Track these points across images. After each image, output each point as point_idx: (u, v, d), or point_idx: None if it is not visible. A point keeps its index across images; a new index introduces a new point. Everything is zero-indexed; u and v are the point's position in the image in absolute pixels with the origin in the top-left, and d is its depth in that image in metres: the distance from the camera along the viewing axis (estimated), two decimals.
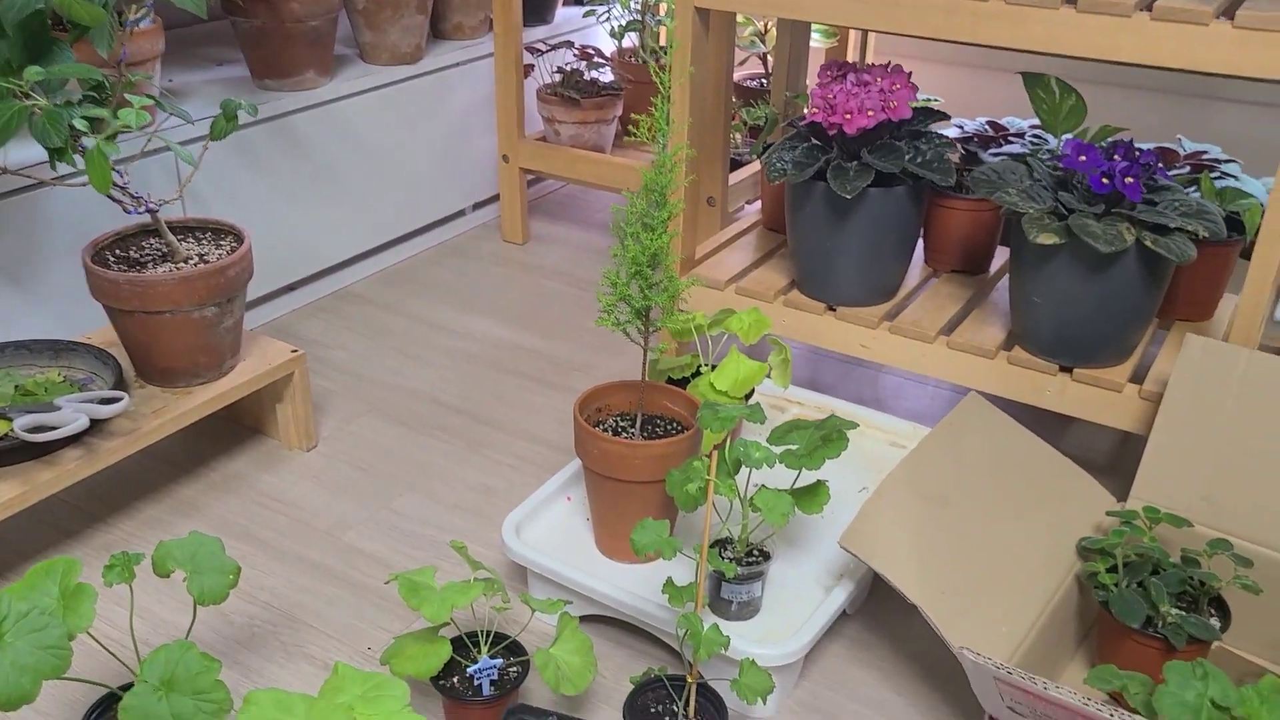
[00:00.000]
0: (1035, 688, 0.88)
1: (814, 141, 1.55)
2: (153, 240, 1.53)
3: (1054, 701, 0.89)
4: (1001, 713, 1.01)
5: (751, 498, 1.13)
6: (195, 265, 1.46)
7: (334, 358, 1.94)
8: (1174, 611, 1.15)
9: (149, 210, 1.43)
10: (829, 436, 1.16)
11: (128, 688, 0.98)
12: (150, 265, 1.47)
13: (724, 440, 1.17)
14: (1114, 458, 1.66)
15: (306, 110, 1.98)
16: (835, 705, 1.23)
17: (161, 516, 1.51)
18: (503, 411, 1.78)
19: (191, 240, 1.54)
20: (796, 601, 1.25)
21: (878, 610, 1.36)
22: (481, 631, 1.16)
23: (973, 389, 1.42)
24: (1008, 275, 1.52)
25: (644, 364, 1.28)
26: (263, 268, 1.87)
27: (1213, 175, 1.56)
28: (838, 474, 1.43)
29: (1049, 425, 1.44)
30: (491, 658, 1.12)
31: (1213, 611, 1.19)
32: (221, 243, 1.54)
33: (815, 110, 1.50)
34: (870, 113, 1.46)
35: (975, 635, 1.09)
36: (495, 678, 1.13)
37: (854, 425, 1.17)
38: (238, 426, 1.70)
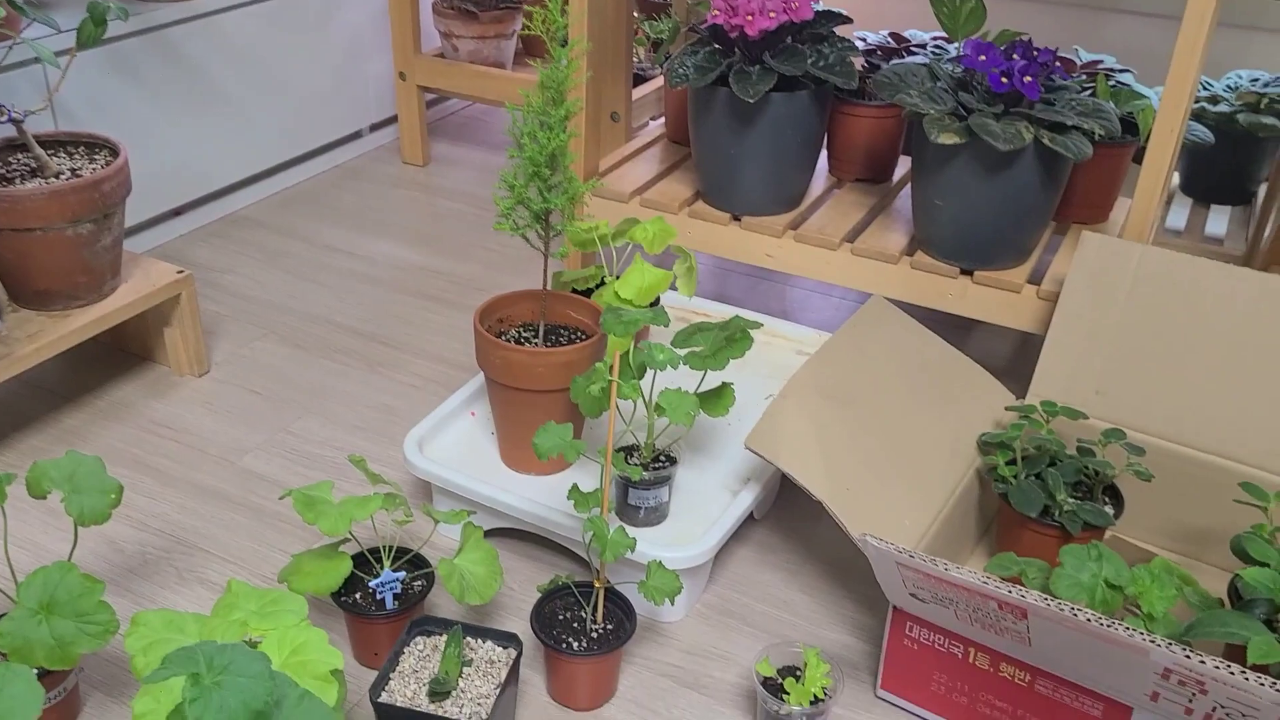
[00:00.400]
0: (936, 570, 0.89)
1: (716, 46, 1.52)
2: (20, 155, 1.43)
3: (954, 583, 0.90)
4: (905, 601, 1.02)
5: (656, 401, 1.12)
6: (67, 179, 1.37)
7: (226, 282, 1.86)
8: (1070, 500, 1.18)
9: (12, 120, 1.34)
10: (733, 336, 1.15)
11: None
12: (18, 181, 1.38)
13: (629, 346, 1.15)
14: (1013, 361, 1.69)
15: (186, 22, 1.87)
16: (743, 607, 1.23)
17: (44, 446, 1.44)
18: (404, 332, 1.74)
19: (63, 155, 1.45)
20: (704, 507, 1.25)
21: (785, 516, 1.37)
22: (384, 547, 1.13)
23: (877, 295, 1.42)
24: (910, 183, 1.52)
25: (545, 271, 1.25)
26: (145, 190, 1.78)
27: (1108, 83, 1.58)
28: (745, 382, 1.42)
29: (952, 332, 1.46)
30: (394, 571, 1.10)
31: (1107, 500, 1.22)
32: (96, 157, 1.45)
33: (717, 13, 1.46)
34: (772, 14, 1.43)
35: (879, 529, 1.10)
36: (398, 591, 1.10)
37: (758, 324, 1.17)
38: (124, 353, 1.63)
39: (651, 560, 1.07)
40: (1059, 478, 1.17)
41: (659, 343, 1.13)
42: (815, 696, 1.02)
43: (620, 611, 1.11)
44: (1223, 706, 0.85)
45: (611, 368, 1.04)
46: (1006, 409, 1.29)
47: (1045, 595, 0.85)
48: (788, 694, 1.02)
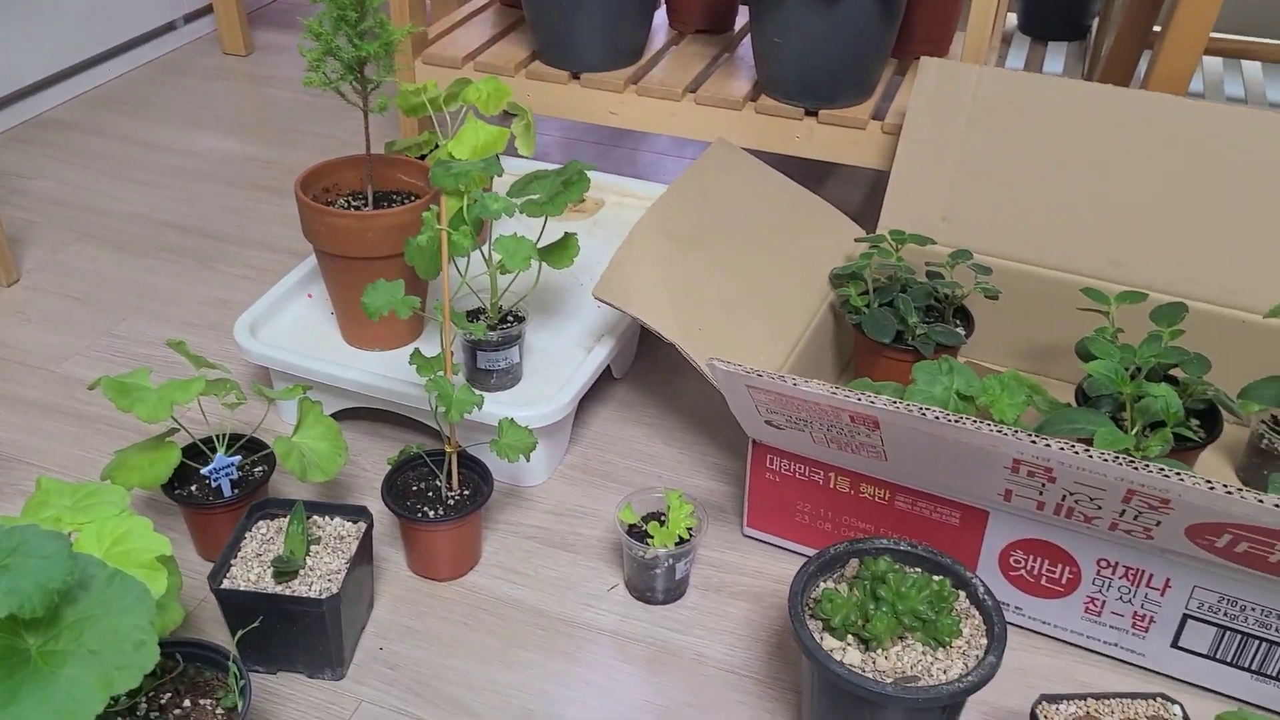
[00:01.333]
0: (785, 388, 0.87)
1: None
2: None
3: (804, 399, 0.88)
4: (761, 431, 1.00)
5: (493, 250, 1.06)
6: None
7: (34, 189, 1.71)
8: (922, 324, 1.17)
9: None
10: (570, 180, 1.10)
11: None
12: None
13: (462, 202, 1.09)
14: (865, 205, 1.68)
15: None
16: (607, 464, 1.21)
17: None
18: (235, 225, 1.63)
19: None
20: (559, 366, 1.21)
21: (647, 373, 1.34)
22: (217, 435, 1.06)
23: (721, 137, 1.37)
24: (750, 28, 1.47)
25: (365, 128, 1.17)
26: None
27: None
28: (599, 243, 1.38)
29: (804, 183, 1.43)
30: (228, 456, 1.03)
31: (958, 321, 1.23)
32: None
33: None
34: None
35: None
36: (236, 477, 1.04)
37: (593, 166, 1.11)
38: None
39: (503, 419, 1.03)
40: (909, 303, 1.17)
41: (493, 192, 1.06)
42: (680, 537, 1.01)
43: (477, 476, 1.07)
44: (1071, 494, 0.86)
45: (439, 215, 0.98)
46: (856, 240, 1.28)
47: (894, 400, 0.84)
48: (652, 538, 1.00)
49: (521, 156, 1.38)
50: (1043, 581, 0.97)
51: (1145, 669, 0.97)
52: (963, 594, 0.85)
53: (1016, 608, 1.00)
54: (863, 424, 0.88)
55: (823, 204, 1.34)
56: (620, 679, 0.96)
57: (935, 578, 0.85)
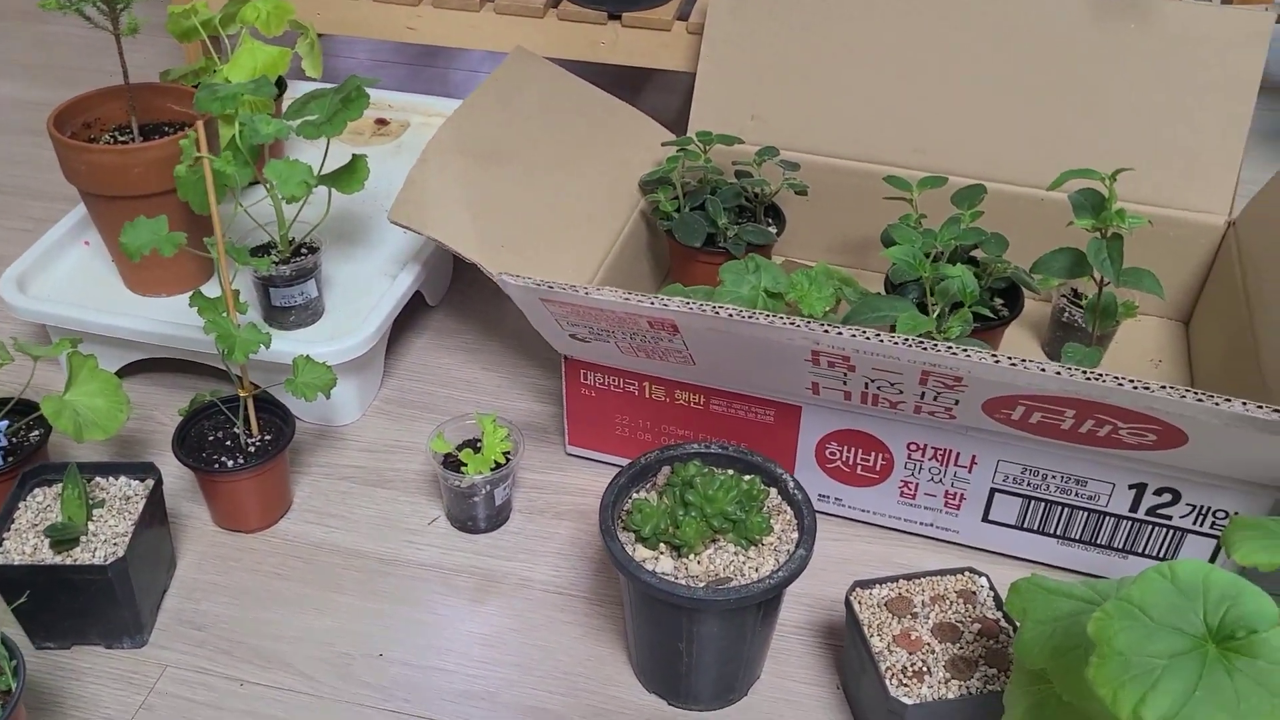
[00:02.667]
0: (578, 297, 0.84)
1: None
2: None
3: (598, 308, 0.85)
4: (569, 346, 0.97)
5: (266, 177, 0.99)
6: None
7: None
8: (733, 225, 1.16)
9: None
10: (349, 97, 1.03)
11: None
12: None
13: (235, 129, 1.01)
14: (684, 111, 1.65)
15: None
16: (424, 395, 1.16)
17: None
18: (12, 174, 1.50)
19: None
20: (363, 297, 1.15)
21: (463, 298, 1.29)
22: None
23: (520, 46, 1.31)
24: None
25: (120, 52, 1.07)
26: None
27: None
28: (402, 166, 1.31)
29: (618, 92, 1.38)
30: None
31: (769, 220, 1.21)
32: None
33: None
34: None
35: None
36: (5, 443, 0.95)
37: (375, 80, 1.04)
38: None
39: (298, 357, 0.97)
40: (719, 205, 1.15)
41: (264, 115, 0.99)
42: (496, 462, 0.97)
43: (279, 420, 1.01)
44: (873, 380, 0.85)
45: (198, 142, 0.90)
46: (663, 144, 1.25)
47: (687, 300, 0.82)
48: (466, 465, 0.97)
49: (310, 79, 1.30)
50: (859, 470, 0.97)
51: (961, 545, 0.99)
52: (773, 490, 0.85)
53: (837, 498, 1.01)
54: (662, 329, 0.86)
55: (630, 110, 1.30)
56: (443, 613, 0.94)
57: (746, 477, 0.84)
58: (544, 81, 1.24)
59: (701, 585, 0.77)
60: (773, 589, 0.76)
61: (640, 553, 0.79)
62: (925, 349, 0.76)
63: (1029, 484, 0.92)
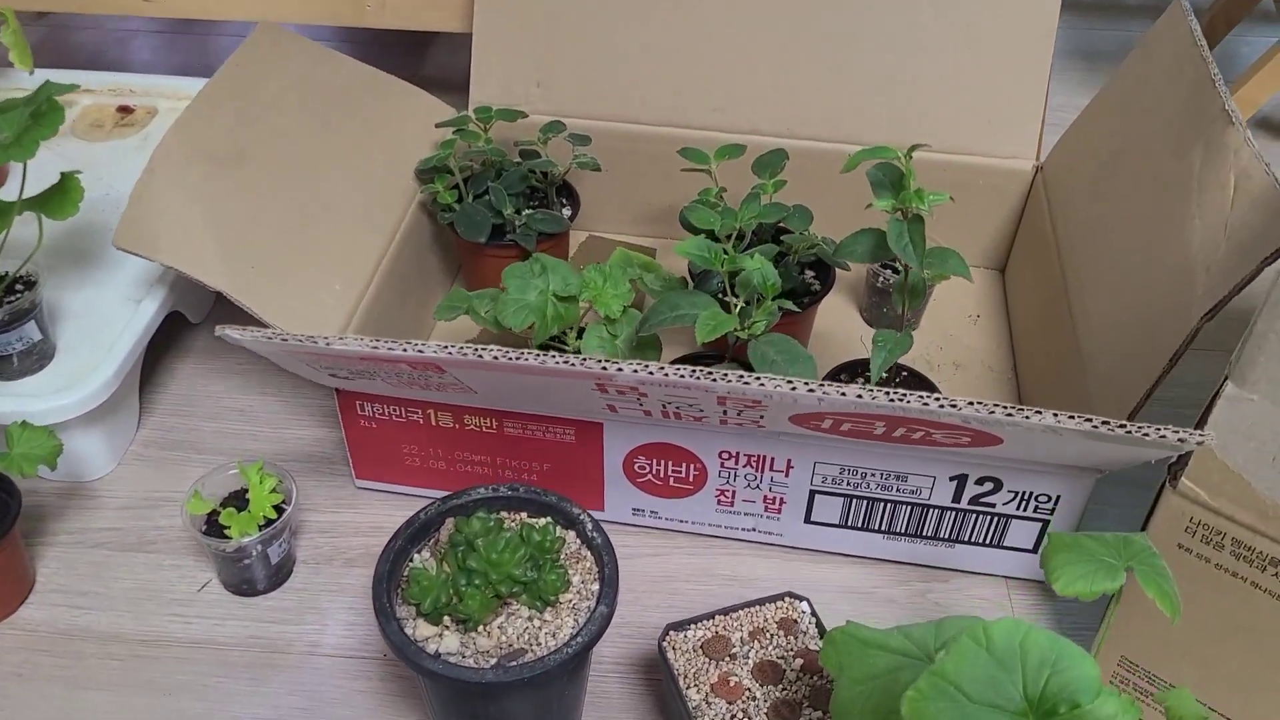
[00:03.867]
0: (318, 348, 0.72)
1: None
2: None
3: (345, 355, 0.74)
4: (330, 381, 0.86)
5: None
6: None
7: None
8: (525, 209, 1.05)
9: None
10: (40, 111, 0.87)
11: None
12: None
13: None
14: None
15: None
16: (192, 432, 1.03)
17: None
18: None
19: None
20: (104, 329, 0.99)
21: (233, 312, 1.13)
22: None
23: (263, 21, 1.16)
24: None
25: None
26: None
27: None
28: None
29: (402, 59, 1.24)
30: None
31: (563, 200, 1.11)
32: None
33: None
34: None
35: (303, 303, 0.92)
36: None
37: (72, 87, 0.89)
38: None
39: (12, 425, 0.83)
40: (503, 192, 1.04)
41: None
42: (266, 518, 0.86)
43: (3, 493, 0.86)
44: (669, 402, 0.77)
45: None
46: (437, 125, 1.12)
47: (446, 344, 0.72)
48: (229, 528, 0.85)
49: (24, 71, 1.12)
50: (671, 482, 0.90)
51: (786, 546, 0.93)
52: (571, 534, 0.76)
53: (652, 511, 0.93)
54: (428, 368, 0.75)
55: (403, 86, 1.16)
56: (216, 699, 0.82)
57: (539, 521, 0.75)
58: (295, 61, 1.09)
59: (492, 663, 0.68)
60: (572, 658, 0.68)
61: (422, 630, 0.70)
62: (715, 380, 0.68)
63: (849, 483, 0.86)
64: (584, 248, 1.21)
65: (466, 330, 1.04)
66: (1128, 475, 0.83)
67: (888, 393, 0.67)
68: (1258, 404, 0.64)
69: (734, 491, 0.89)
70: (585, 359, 0.69)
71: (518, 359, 0.69)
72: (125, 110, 1.28)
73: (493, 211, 1.04)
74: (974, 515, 0.87)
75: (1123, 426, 0.65)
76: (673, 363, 0.84)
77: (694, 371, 0.68)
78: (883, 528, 0.89)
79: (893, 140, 0.84)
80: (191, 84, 1.28)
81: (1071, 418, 0.66)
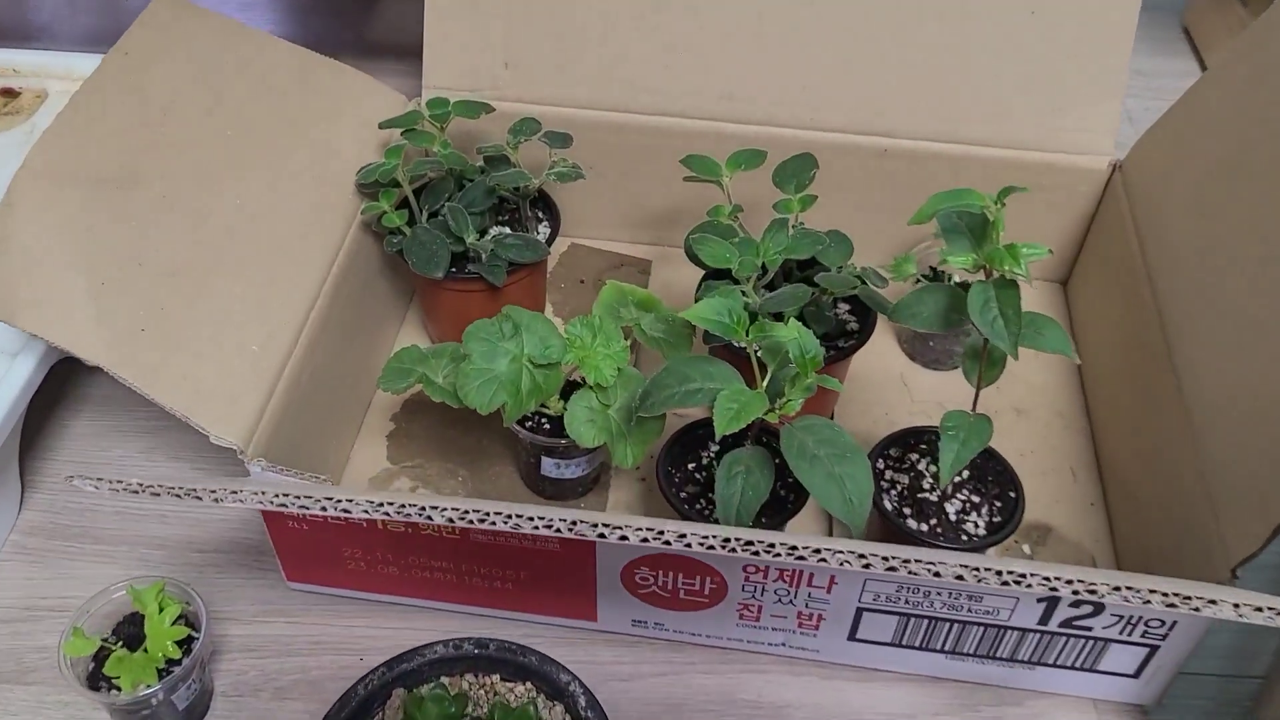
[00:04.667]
0: (195, 500, 0.53)
1: None
2: None
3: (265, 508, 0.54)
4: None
5: None
6: None
7: None
8: (494, 228, 0.85)
9: None
10: None
11: None
12: None
13: None
14: None
15: None
16: (89, 513, 0.84)
17: None
18: None
19: None
20: None
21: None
22: None
23: None
24: None
25: None
26: None
27: None
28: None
29: (344, 19, 1.03)
30: None
31: (540, 213, 0.91)
32: None
33: None
34: None
35: (215, 367, 0.72)
36: None
37: None
38: None
39: None
40: (463, 215, 0.83)
41: None
42: (169, 659, 0.67)
43: None
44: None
45: None
46: (380, 126, 0.91)
47: (378, 501, 0.52)
48: (118, 679, 0.66)
49: None
50: (681, 595, 0.72)
51: (824, 662, 0.76)
52: (558, 709, 0.58)
53: (657, 624, 0.75)
54: (378, 523, 0.56)
55: (339, 69, 0.94)
56: None
57: (517, 688, 0.57)
58: (201, 42, 0.87)
59: None
60: None
61: None
62: (758, 553, 0.49)
63: (906, 600, 0.68)
64: (565, 259, 1.01)
65: (421, 402, 0.85)
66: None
67: (997, 571, 0.48)
68: None
69: (760, 606, 0.71)
70: (578, 523, 0.50)
71: (484, 519, 0.50)
72: (9, 94, 1.07)
73: (452, 237, 0.83)
74: (1064, 639, 0.69)
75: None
76: (679, 434, 0.67)
77: (728, 541, 0.49)
78: (947, 648, 0.72)
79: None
80: (89, 62, 1.06)
81: (1235, 606, 0.48)
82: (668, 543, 0.52)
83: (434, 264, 0.82)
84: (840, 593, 0.69)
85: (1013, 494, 0.73)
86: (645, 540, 0.53)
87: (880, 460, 0.76)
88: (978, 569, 0.52)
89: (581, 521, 0.51)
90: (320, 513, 0.52)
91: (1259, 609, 0.49)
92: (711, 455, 0.76)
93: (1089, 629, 0.68)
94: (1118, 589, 0.50)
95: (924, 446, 0.76)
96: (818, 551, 0.50)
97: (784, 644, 0.74)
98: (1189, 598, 0.50)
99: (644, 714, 0.73)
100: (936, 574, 0.49)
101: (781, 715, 0.73)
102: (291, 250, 0.82)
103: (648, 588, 0.72)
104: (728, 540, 0.52)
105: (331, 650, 0.76)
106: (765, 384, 0.67)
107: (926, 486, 0.74)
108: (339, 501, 0.52)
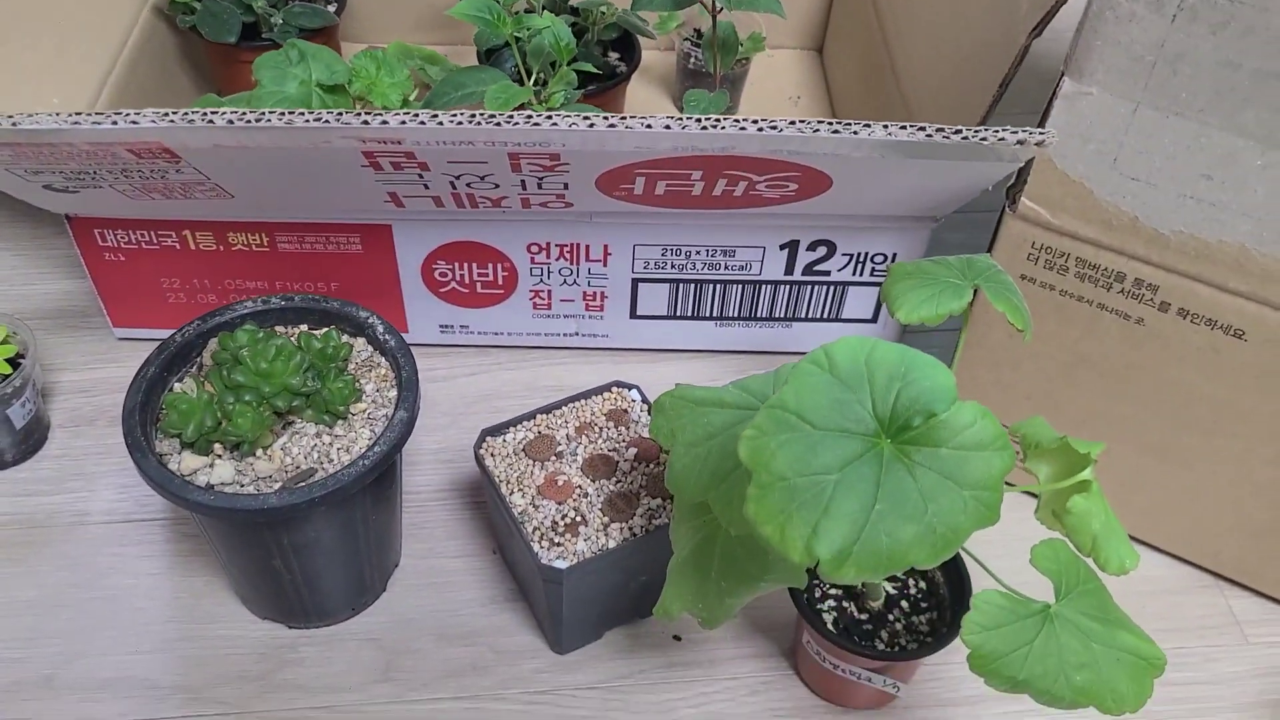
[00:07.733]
0: (5, 132, 0.58)
1: None
2: None
3: (36, 142, 0.60)
4: (54, 202, 0.72)
5: None
6: None
7: None
8: (276, 8, 0.91)
9: None
10: None
11: None
12: None
13: None
14: None
15: None
16: None
17: None
18: None
19: None
20: None
21: None
22: None
23: None
24: None
25: None
26: None
27: None
28: None
29: None
30: None
31: None
32: None
33: None
34: None
35: None
36: None
37: None
38: None
39: None
40: None
41: None
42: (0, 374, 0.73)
43: None
44: (458, 177, 0.67)
45: None
46: None
47: (165, 112, 0.59)
48: None
49: None
50: (478, 288, 0.80)
51: (613, 349, 0.86)
52: (361, 340, 0.66)
53: (463, 326, 0.83)
54: (154, 157, 0.63)
55: None
56: None
57: (320, 331, 0.65)
58: None
59: (275, 488, 0.58)
60: (370, 470, 0.58)
61: (189, 462, 0.59)
62: (499, 125, 0.58)
63: (673, 265, 0.79)
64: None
65: None
66: (963, 226, 0.78)
67: (698, 120, 0.58)
68: (1096, 97, 0.58)
69: (549, 291, 0.81)
70: (341, 113, 0.57)
71: (256, 120, 0.57)
72: None
73: (241, 8, 0.89)
74: (809, 287, 0.81)
75: (958, 132, 0.59)
76: None
77: (473, 116, 0.58)
78: (714, 314, 0.83)
79: None
80: None
81: (903, 128, 0.59)
82: (440, 121, 0.57)
83: (226, 30, 0.87)
84: (615, 264, 0.78)
85: None
86: (405, 124, 0.60)
87: None
88: (684, 119, 0.58)
89: (347, 113, 0.58)
90: (118, 130, 0.57)
91: (904, 127, 0.58)
92: None
93: (827, 273, 0.79)
94: (793, 123, 0.59)
95: None
96: (550, 119, 0.57)
97: (576, 331, 0.84)
98: (849, 125, 0.59)
99: (458, 405, 0.82)
100: (647, 126, 0.57)
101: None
102: (83, 23, 0.86)
103: (447, 284, 0.80)
104: (473, 117, 0.58)
105: None
106: (532, 81, 0.76)
107: None
108: (134, 118, 0.57)
